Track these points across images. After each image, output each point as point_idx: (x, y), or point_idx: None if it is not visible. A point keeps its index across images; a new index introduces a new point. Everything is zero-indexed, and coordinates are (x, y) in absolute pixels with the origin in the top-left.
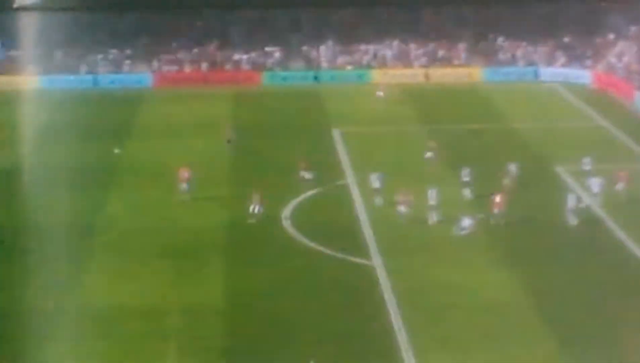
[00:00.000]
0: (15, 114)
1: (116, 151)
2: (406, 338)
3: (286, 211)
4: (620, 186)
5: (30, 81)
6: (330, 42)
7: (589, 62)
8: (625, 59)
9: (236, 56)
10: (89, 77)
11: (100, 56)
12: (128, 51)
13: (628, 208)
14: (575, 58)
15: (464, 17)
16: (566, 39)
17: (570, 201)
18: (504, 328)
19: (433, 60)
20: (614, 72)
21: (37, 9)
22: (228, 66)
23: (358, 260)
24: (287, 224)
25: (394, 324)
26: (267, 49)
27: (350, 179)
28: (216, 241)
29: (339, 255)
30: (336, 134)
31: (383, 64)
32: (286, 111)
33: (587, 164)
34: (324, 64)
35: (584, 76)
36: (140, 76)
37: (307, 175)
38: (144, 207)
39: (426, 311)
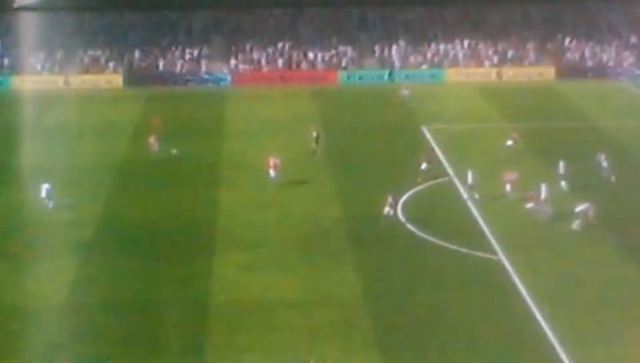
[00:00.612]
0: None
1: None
2: (551, 333)
3: (399, 207)
4: None
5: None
6: (401, 42)
7: None
8: None
9: (311, 55)
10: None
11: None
12: (205, 50)
13: None
14: None
15: (531, 17)
16: (633, 39)
17: None
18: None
19: (504, 59)
20: None
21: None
22: (304, 65)
23: (484, 255)
24: (403, 219)
25: (539, 319)
26: (340, 48)
27: (452, 174)
28: (341, 235)
29: (464, 250)
30: (426, 131)
31: (455, 63)
32: (369, 109)
33: None
34: (397, 63)
35: None
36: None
37: (424, 166)
38: (253, 200)
39: (566, 306)
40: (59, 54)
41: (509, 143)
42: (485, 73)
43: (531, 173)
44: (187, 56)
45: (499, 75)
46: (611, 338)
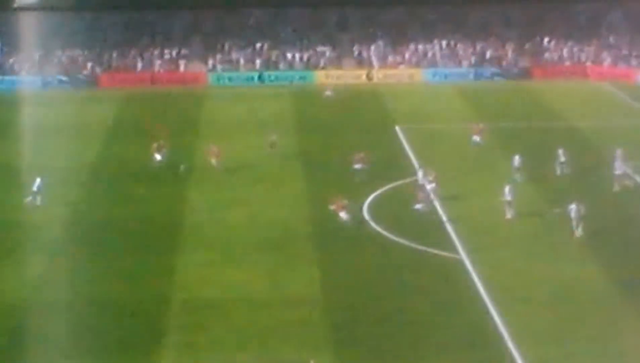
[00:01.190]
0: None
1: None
2: (506, 331)
3: (364, 206)
4: None
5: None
6: (380, 42)
7: (634, 62)
8: None
9: (289, 55)
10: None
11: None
12: (184, 51)
13: None
14: (621, 58)
15: (510, 17)
16: (612, 39)
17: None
18: (598, 320)
19: (482, 60)
20: None
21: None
22: (282, 65)
23: (445, 254)
24: (369, 218)
25: (494, 316)
26: (318, 48)
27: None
28: (303, 234)
29: (426, 249)
30: (399, 131)
31: (433, 63)
32: (346, 109)
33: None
34: (375, 63)
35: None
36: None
37: (359, 166)
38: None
39: (520, 303)
40: (37, 55)
41: (476, 138)
42: (461, 73)
43: (497, 171)
44: (166, 57)
45: (476, 75)
46: (565, 337)
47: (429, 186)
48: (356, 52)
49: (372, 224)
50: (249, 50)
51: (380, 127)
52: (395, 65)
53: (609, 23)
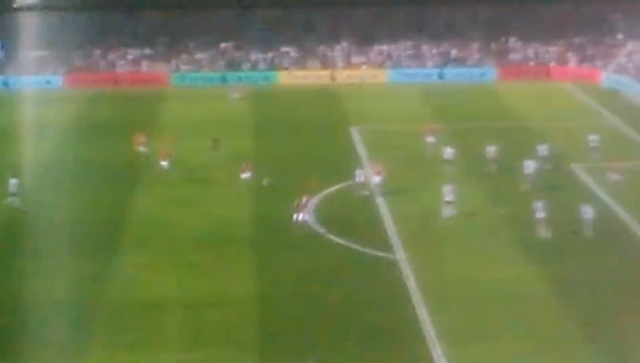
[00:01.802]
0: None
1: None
2: (432, 330)
3: (311, 208)
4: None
5: None
6: (344, 43)
7: (599, 63)
8: (637, 58)
9: (253, 56)
10: None
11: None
12: (148, 51)
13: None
14: (586, 59)
15: (476, 18)
16: (577, 40)
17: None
18: (530, 320)
19: (446, 60)
20: (625, 72)
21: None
22: (245, 66)
23: (382, 254)
24: (313, 220)
25: (420, 316)
26: (283, 49)
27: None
28: (243, 235)
29: (364, 249)
30: (354, 131)
31: (398, 63)
32: (305, 110)
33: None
34: (339, 64)
35: (594, 75)
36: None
37: (244, 176)
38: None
39: (452, 303)
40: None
41: (429, 139)
42: (426, 74)
43: (445, 171)
44: (129, 57)
45: (440, 76)
46: (495, 336)
47: (374, 180)
48: (321, 53)
49: (315, 225)
50: (213, 50)
51: (335, 127)
52: (359, 65)
53: (574, 24)
